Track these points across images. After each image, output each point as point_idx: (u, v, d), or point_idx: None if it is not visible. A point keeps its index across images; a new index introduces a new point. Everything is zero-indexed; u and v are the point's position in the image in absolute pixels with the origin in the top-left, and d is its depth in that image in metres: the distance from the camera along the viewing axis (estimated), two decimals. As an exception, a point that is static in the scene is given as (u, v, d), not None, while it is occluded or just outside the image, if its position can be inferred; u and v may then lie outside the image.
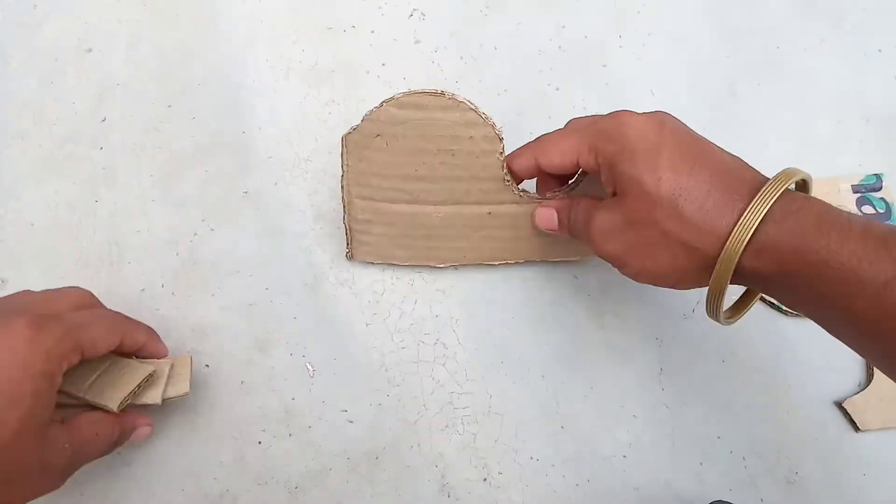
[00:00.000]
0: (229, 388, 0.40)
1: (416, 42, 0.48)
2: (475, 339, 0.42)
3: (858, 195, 0.45)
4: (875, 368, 0.41)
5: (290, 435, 0.40)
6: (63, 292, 0.35)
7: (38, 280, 0.40)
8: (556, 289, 0.43)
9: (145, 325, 0.37)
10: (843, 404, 0.40)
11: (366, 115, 0.36)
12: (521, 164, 0.37)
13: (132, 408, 0.35)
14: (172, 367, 0.37)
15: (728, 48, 0.49)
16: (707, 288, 0.30)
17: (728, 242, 0.28)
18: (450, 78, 0.47)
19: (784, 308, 0.42)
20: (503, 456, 0.40)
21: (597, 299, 0.43)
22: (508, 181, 0.38)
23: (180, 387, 0.37)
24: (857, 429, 0.40)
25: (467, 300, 0.43)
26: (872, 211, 0.44)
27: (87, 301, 0.36)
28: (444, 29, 0.49)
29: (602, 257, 0.33)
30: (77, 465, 0.32)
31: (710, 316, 0.32)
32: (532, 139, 0.37)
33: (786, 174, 0.29)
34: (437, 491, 0.39)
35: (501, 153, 0.37)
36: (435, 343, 0.42)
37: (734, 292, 0.32)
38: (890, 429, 0.40)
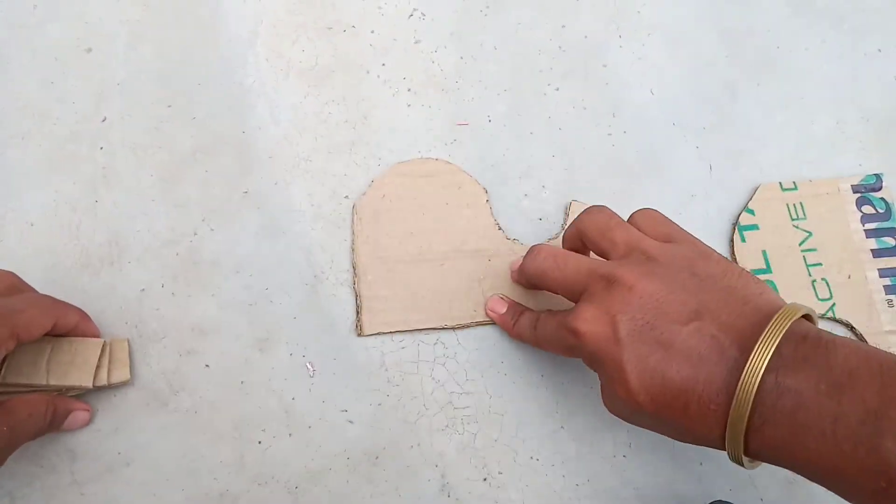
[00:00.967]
0: (229, 388, 0.40)
1: (416, 42, 0.48)
2: (475, 339, 0.42)
3: (858, 195, 0.45)
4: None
5: (290, 435, 0.40)
6: None
7: (38, 280, 0.40)
8: (556, 289, 0.43)
9: (75, 306, 0.37)
10: (843, 404, 0.40)
11: (372, 181, 0.43)
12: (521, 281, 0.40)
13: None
14: (110, 350, 0.38)
15: (727, 48, 0.49)
16: None
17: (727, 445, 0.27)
18: (450, 78, 0.47)
19: (784, 308, 0.42)
20: (503, 456, 0.40)
21: (597, 299, 0.43)
22: (500, 229, 0.43)
23: (121, 372, 0.37)
24: (857, 429, 0.40)
25: (467, 300, 0.43)
26: (872, 211, 0.44)
27: (14, 283, 0.36)
28: (444, 29, 0.49)
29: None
30: (14, 446, 0.32)
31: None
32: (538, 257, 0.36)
33: (752, 374, 0.25)
34: (437, 491, 0.39)
35: (488, 200, 0.43)
36: (435, 343, 0.42)
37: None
38: (890, 429, 0.40)
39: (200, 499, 0.38)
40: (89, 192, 0.44)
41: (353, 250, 0.43)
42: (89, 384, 0.35)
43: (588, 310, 0.31)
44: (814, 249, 0.43)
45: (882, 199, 0.45)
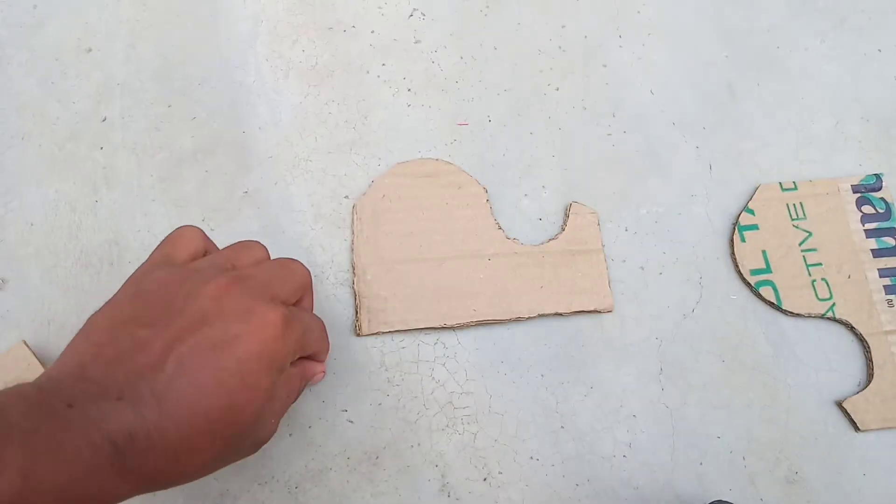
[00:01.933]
0: (229, 387, 0.40)
1: (416, 42, 0.48)
2: (475, 339, 0.42)
3: (858, 195, 0.45)
4: (876, 368, 0.41)
5: (290, 435, 0.40)
6: (284, 268, 0.34)
7: (38, 280, 0.40)
8: (556, 289, 0.43)
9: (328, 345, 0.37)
10: (843, 404, 0.40)
11: (372, 181, 0.42)
12: None
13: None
14: None
15: (728, 48, 0.49)
16: None
17: None
18: (450, 78, 0.47)
19: (784, 308, 0.42)
20: (503, 456, 0.40)
21: (597, 299, 0.43)
22: (500, 229, 0.43)
23: None
24: (857, 429, 0.40)
25: (467, 300, 0.43)
26: (872, 211, 0.44)
27: (307, 283, 0.36)
28: (444, 29, 0.49)
29: None
30: (284, 412, 0.33)
31: None
32: None
33: None
34: (437, 491, 0.39)
35: (488, 200, 0.43)
36: (435, 343, 0.42)
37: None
38: (890, 429, 0.40)
39: (200, 499, 0.38)
40: (89, 192, 0.44)
41: (352, 250, 0.42)
42: None
43: None
44: (814, 249, 0.43)
45: (882, 199, 0.45)
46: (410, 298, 0.41)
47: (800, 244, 0.44)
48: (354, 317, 0.42)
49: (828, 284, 0.43)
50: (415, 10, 0.49)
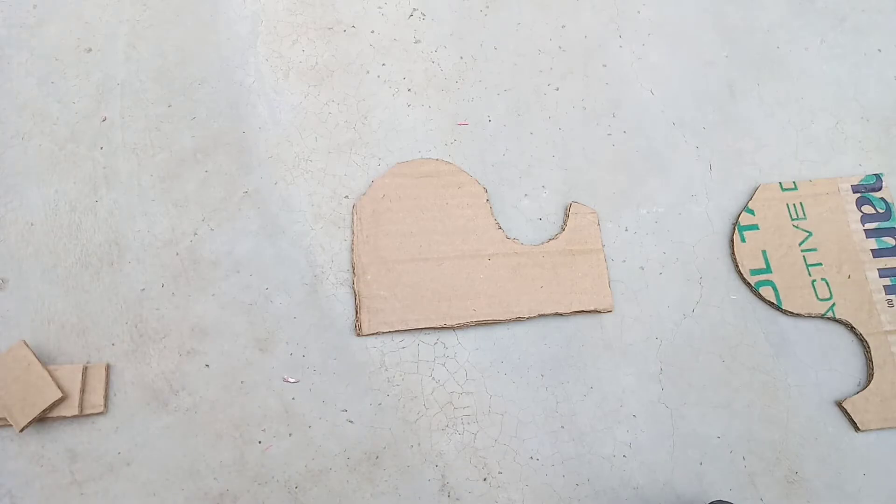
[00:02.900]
0: (229, 388, 0.40)
1: (416, 42, 0.48)
2: (475, 339, 0.42)
3: (858, 195, 0.45)
4: (876, 368, 0.41)
5: (290, 435, 0.40)
6: None
7: (38, 280, 0.40)
8: (556, 289, 0.43)
9: None
10: (843, 404, 0.40)
11: (372, 181, 0.42)
12: None
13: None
14: (85, 375, 0.38)
15: (727, 48, 0.49)
16: None
17: None
18: (450, 78, 0.47)
19: (784, 308, 0.42)
20: (503, 456, 0.40)
21: (597, 299, 0.43)
22: (500, 229, 0.43)
23: (94, 401, 0.39)
24: (857, 429, 0.40)
25: (467, 300, 0.43)
26: (872, 211, 0.44)
27: None
28: (444, 29, 0.49)
29: None
30: None
31: None
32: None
33: None
34: (437, 490, 0.39)
35: (488, 200, 0.43)
36: (435, 343, 0.42)
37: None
38: (890, 429, 0.40)
39: (200, 498, 0.38)
40: (89, 192, 0.44)
41: (352, 250, 0.43)
42: (17, 429, 0.36)
43: None
44: (814, 249, 0.43)
45: (882, 199, 0.45)
46: (410, 298, 0.41)
47: (800, 244, 0.44)
48: (354, 317, 0.42)
49: (828, 284, 0.43)
50: (415, 10, 0.49)
